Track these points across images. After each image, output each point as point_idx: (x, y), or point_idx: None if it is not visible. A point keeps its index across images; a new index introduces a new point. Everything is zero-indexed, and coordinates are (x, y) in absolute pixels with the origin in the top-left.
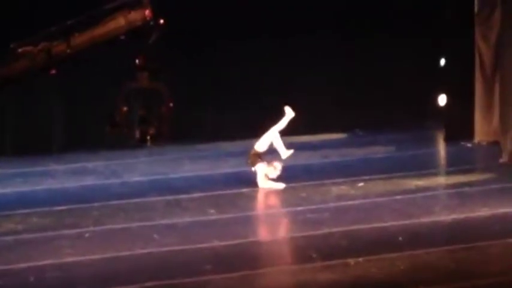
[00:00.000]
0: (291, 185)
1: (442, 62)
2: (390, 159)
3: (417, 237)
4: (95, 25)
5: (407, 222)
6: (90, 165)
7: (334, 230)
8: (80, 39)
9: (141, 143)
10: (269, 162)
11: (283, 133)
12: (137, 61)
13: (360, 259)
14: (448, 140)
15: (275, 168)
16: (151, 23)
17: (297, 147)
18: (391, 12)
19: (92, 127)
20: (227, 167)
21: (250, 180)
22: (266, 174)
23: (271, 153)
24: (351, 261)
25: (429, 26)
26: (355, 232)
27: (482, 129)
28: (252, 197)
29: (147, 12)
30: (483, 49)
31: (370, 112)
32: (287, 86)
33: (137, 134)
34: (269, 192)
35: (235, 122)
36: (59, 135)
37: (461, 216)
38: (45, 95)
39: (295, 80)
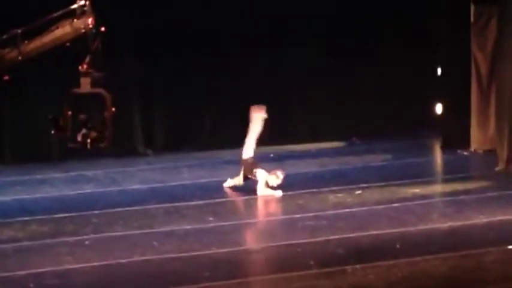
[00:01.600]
0: (289, 192)
1: (439, 71)
2: (387, 167)
3: (414, 245)
4: (43, 33)
5: (404, 229)
6: (89, 173)
7: (332, 237)
8: (29, 46)
9: (81, 146)
10: (270, 170)
11: (281, 142)
12: (80, 67)
13: (358, 266)
14: (444, 148)
15: (277, 177)
16: (94, 30)
17: (295, 156)
18: (387, 22)
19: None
20: (225, 175)
21: (248, 188)
22: (267, 181)
23: (271, 163)
24: (349, 268)
25: (426, 36)
26: (352, 239)
27: (479, 138)
28: (250, 205)
29: (90, 20)
30: (479, 58)
31: (367, 121)
32: (284, 94)
33: (79, 138)
34: (267, 200)
35: (233, 130)
36: (58, 143)
37: (458, 223)
38: (43, 103)
39: (293, 88)
